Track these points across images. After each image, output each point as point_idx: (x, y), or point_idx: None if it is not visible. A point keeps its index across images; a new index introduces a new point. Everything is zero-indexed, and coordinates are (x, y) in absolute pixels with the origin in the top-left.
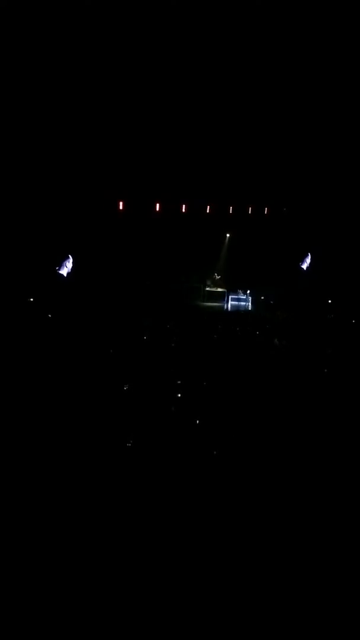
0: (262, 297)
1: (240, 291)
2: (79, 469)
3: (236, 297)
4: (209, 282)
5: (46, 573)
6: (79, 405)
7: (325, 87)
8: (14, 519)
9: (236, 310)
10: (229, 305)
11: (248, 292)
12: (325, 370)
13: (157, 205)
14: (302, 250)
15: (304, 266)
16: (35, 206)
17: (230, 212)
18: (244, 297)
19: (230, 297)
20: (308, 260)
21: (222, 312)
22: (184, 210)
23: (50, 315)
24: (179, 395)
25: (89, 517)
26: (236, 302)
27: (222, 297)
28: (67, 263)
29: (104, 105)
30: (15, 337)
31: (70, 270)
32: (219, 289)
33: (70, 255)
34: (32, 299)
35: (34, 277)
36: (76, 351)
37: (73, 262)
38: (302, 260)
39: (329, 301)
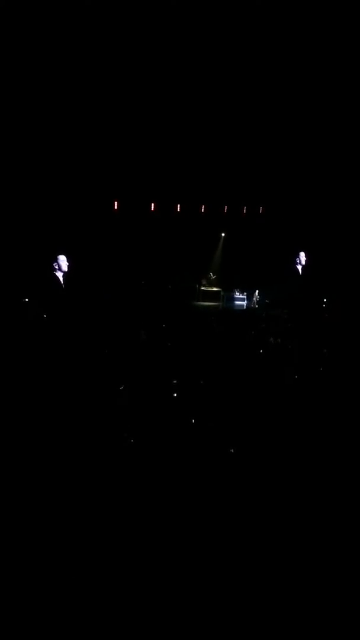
0: (258, 296)
1: (237, 290)
2: (75, 469)
3: (234, 296)
4: (203, 282)
5: (45, 572)
6: (74, 405)
7: (318, 89)
8: (12, 518)
9: (232, 310)
10: (232, 304)
11: (257, 292)
12: (321, 368)
13: (152, 205)
14: (296, 248)
15: (299, 265)
16: (30, 205)
17: (225, 211)
18: (242, 297)
19: (231, 296)
20: (302, 258)
21: (218, 311)
22: (178, 209)
23: (45, 316)
24: (175, 394)
25: (87, 517)
26: (234, 302)
27: (217, 296)
28: (58, 264)
29: (99, 106)
30: (10, 338)
31: (66, 270)
32: (214, 288)
33: (59, 256)
34: (27, 299)
35: (29, 277)
36: (71, 351)
37: (68, 261)
38: (296, 259)
39: (324, 300)
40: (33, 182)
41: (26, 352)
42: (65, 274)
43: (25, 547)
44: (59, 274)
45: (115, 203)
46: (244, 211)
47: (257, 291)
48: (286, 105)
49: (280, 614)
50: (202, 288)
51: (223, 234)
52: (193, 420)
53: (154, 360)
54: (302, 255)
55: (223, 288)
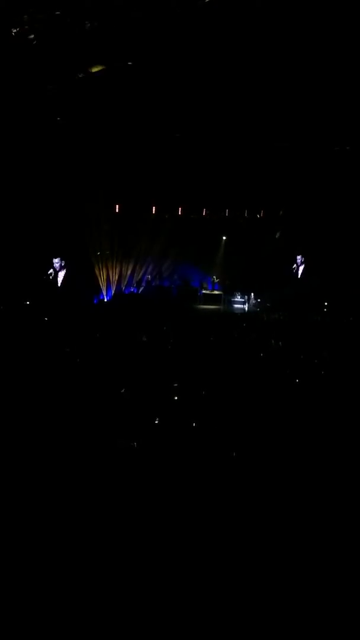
0: (259, 300)
1: (237, 294)
2: (74, 473)
3: (234, 299)
4: (205, 285)
5: (45, 574)
6: (76, 408)
7: (317, 93)
8: (12, 521)
9: (233, 313)
10: (233, 308)
11: (252, 294)
12: (322, 372)
13: (154, 208)
14: (295, 252)
15: (299, 269)
16: (33, 209)
17: (226, 215)
18: (242, 300)
19: (231, 299)
20: (299, 263)
21: (219, 314)
22: (180, 213)
23: (46, 319)
24: (176, 398)
25: (87, 520)
26: (234, 305)
27: (218, 299)
28: (55, 269)
29: (100, 109)
30: (12, 340)
31: (60, 272)
32: (216, 292)
33: (55, 260)
34: (28, 302)
35: (30, 280)
36: (72, 354)
37: (64, 265)
38: (294, 264)
39: (325, 303)
40: (34, 183)
41: (28, 355)
42: (61, 276)
43: (27, 547)
44: (53, 278)
45: (117, 207)
46: (245, 214)
47: (252, 294)
48: (287, 111)
49: (279, 612)
50: (204, 291)
51: (224, 237)
52: (194, 424)
53: (155, 364)
54: (299, 259)
55: (224, 291)
